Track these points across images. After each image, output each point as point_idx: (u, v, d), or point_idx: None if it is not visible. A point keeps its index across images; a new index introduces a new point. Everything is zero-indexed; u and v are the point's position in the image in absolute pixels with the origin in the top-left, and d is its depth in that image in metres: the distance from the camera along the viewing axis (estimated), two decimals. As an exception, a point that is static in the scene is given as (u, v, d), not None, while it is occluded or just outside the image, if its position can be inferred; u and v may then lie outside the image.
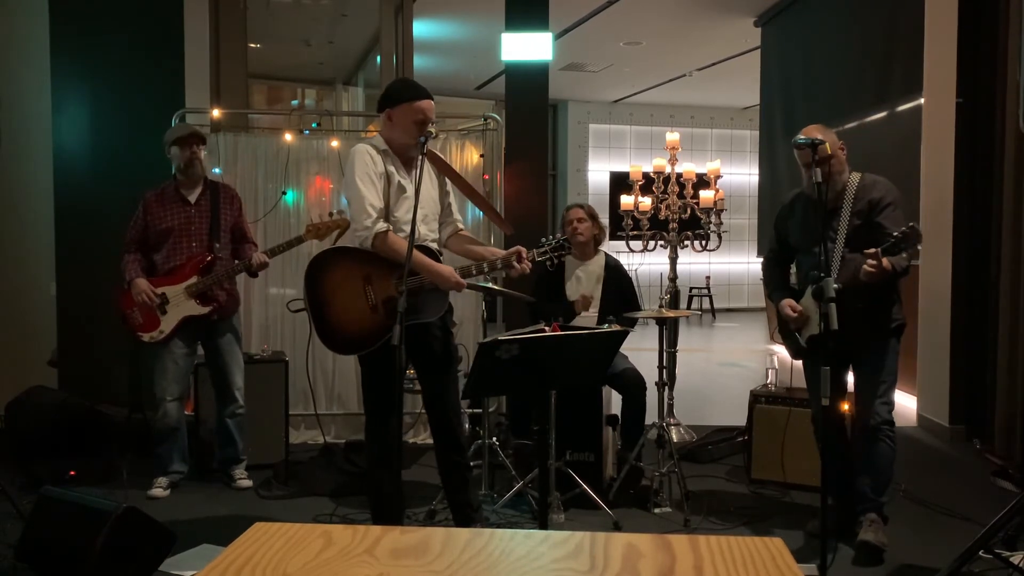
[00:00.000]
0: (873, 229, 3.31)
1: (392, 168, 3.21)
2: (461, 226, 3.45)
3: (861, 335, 3.36)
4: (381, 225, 3.13)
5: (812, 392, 3.67)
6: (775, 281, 3.73)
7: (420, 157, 3.11)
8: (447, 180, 3.42)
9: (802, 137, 3.21)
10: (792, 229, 3.63)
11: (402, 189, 3.21)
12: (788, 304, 3.53)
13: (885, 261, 3.06)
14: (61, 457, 4.48)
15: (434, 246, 3.32)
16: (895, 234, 3.02)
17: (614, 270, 4.53)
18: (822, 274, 3.28)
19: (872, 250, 3.05)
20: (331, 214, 4.21)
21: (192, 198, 4.25)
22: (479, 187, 5.04)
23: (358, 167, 3.16)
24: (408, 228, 3.17)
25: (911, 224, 3.02)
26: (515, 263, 3.12)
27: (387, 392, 3.14)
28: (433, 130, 3.16)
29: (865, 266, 3.07)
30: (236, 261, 4.26)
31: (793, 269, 3.78)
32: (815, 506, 3.63)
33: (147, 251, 4.23)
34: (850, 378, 3.59)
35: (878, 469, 3.43)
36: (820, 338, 3.37)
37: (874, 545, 3.32)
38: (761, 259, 3.99)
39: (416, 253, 3.07)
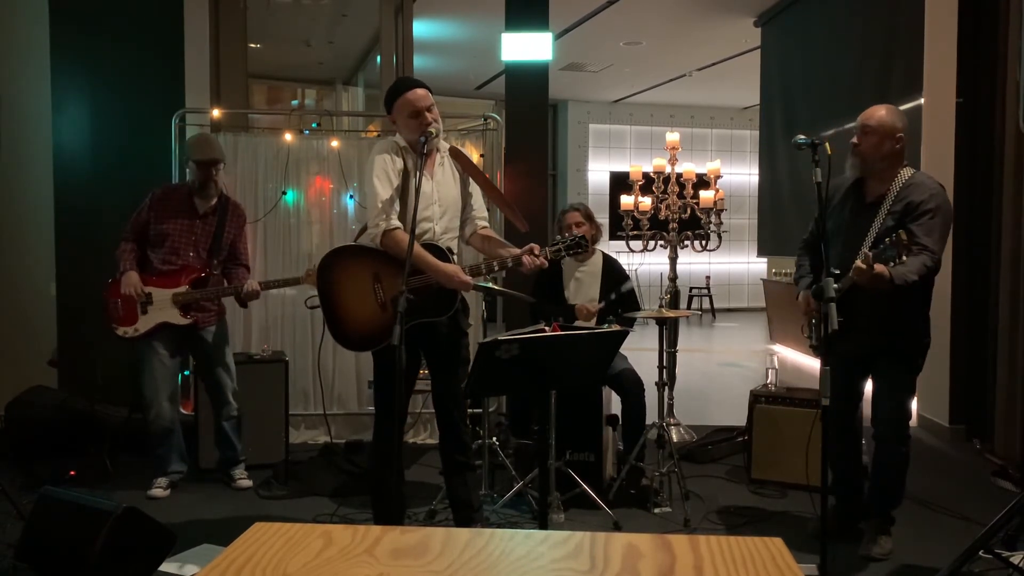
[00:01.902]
0: (905, 233, 3.12)
1: (411, 165, 3.22)
2: (484, 224, 3.43)
3: (879, 345, 3.29)
4: (386, 223, 3.14)
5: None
6: (804, 268, 3.59)
7: (422, 156, 3.12)
8: (470, 178, 3.41)
9: (802, 137, 3.19)
10: (832, 214, 3.43)
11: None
12: (804, 297, 3.46)
13: (879, 267, 2.94)
14: (61, 457, 4.48)
15: (453, 244, 3.32)
16: (885, 240, 2.92)
17: (612, 269, 4.53)
18: (837, 271, 3.26)
19: (866, 252, 2.96)
20: None
21: (202, 210, 4.23)
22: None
23: (376, 166, 3.19)
24: (427, 225, 3.21)
25: (898, 232, 2.91)
26: (528, 259, 3.09)
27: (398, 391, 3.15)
28: (433, 129, 3.15)
29: (855, 263, 2.97)
30: (226, 284, 4.24)
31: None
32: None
33: (144, 245, 4.22)
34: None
35: (888, 480, 3.41)
36: (831, 338, 3.35)
37: (876, 559, 3.33)
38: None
39: (422, 252, 3.08)
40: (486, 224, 3.45)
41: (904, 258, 2.91)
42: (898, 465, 3.39)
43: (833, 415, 3.49)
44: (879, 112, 3.28)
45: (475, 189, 3.42)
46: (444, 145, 3.36)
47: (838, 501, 3.60)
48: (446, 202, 3.29)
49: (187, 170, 4.32)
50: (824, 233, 3.01)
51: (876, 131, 3.24)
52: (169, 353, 4.21)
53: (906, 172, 3.29)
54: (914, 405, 5.70)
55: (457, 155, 3.37)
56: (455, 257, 3.29)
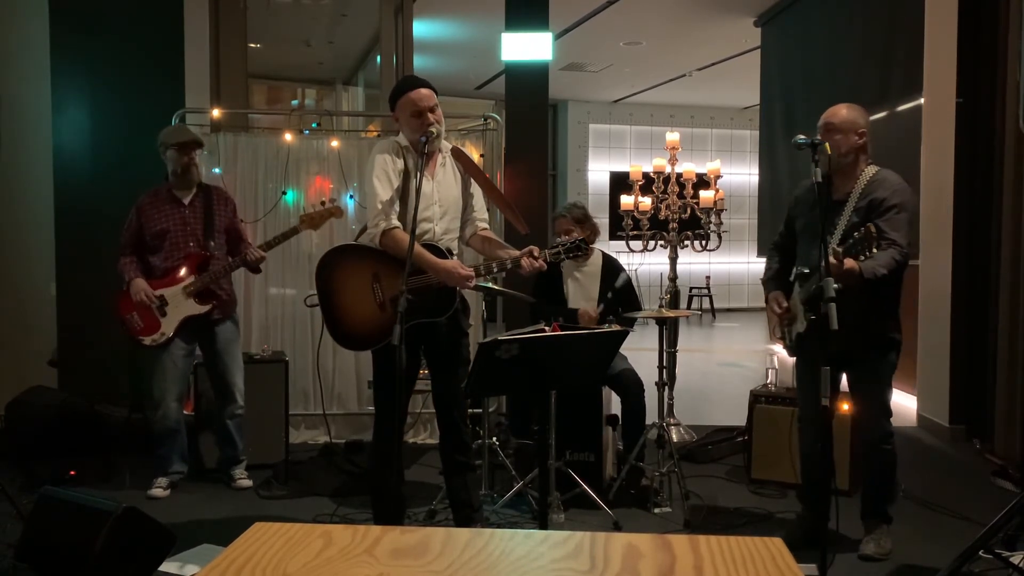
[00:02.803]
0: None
1: (412, 165, 3.22)
2: (484, 225, 3.43)
3: (853, 342, 3.26)
4: (386, 223, 3.15)
5: (800, 391, 3.63)
6: (772, 270, 3.63)
7: (422, 156, 3.12)
8: (471, 179, 3.40)
9: (802, 137, 3.20)
10: (801, 215, 3.50)
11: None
12: (774, 298, 3.48)
13: (849, 262, 2.96)
14: (61, 457, 4.48)
15: (453, 245, 3.32)
16: (854, 234, 2.93)
17: (611, 268, 4.53)
18: (806, 270, 3.27)
19: (835, 248, 2.97)
20: (323, 203, 4.19)
21: (186, 200, 4.24)
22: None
23: (376, 166, 3.20)
24: (427, 226, 3.22)
25: (867, 225, 2.93)
26: (526, 261, 3.08)
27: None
28: (434, 129, 3.15)
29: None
30: (232, 258, 4.24)
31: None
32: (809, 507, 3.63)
33: (143, 253, 4.23)
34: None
35: (880, 480, 3.41)
36: (807, 336, 3.34)
37: (876, 559, 3.32)
38: (763, 258, 3.89)
39: (421, 250, 3.08)
40: (486, 226, 3.45)
41: (874, 251, 2.93)
42: (887, 463, 3.37)
43: (809, 417, 3.50)
44: (841, 111, 3.33)
45: (476, 190, 3.41)
46: (446, 145, 3.36)
47: (806, 507, 3.58)
48: (446, 203, 3.29)
49: (164, 160, 4.25)
50: (824, 234, 3.01)
51: (840, 128, 3.28)
52: (184, 353, 4.21)
53: (871, 170, 3.33)
54: (914, 404, 5.74)
55: (459, 156, 3.37)
56: (455, 258, 3.29)
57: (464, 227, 3.41)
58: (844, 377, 3.53)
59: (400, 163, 3.21)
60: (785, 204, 3.69)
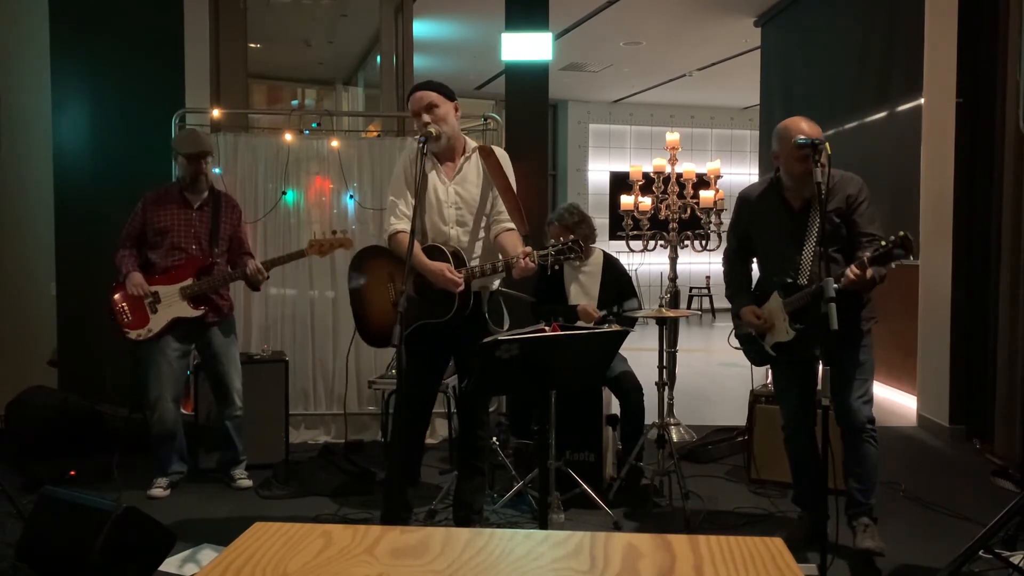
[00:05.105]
0: (848, 227, 3.22)
1: (430, 167, 3.25)
2: (510, 226, 3.31)
3: (833, 335, 3.28)
4: (393, 227, 3.25)
5: (780, 399, 3.61)
6: (737, 282, 3.58)
7: (420, 158, 3.13)
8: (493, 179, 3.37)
9: (802, 138, 3.19)
10: (757, 229, 3.49)
11: (435, 189, 3.26)
12: (751, 311, 3.41)
13: (870, 271, 2.95)
14: (61, 457, 4.48)
15: (475, 247, 3.29)
16: (884, 243, 2.90)
17: (612, 268, 4.53)
18: (788, 279, 3.25)
19: (864, 257, 2.96)
20: (334, 232, 4.20)
21: (195, 203, 4.24)
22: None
23: (395, 172, 3.33)
24: (441, 227, 3.26)
25: (903, 233, 2.88)
26: (518, 262, 3.05)
27: (417, 390, 3.19)
28: (433, 130, 3.14)
29: (849, 272, 2.97)
30: (232, 270, 4.24)
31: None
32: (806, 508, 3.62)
33: (143, 248, 4.22)
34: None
35: (866, 471, 3.37)
36: (792, 345, 3.31)
37: (875, 551, 3.29)
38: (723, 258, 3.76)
39: (417, 252, 3.10)
40: (512, 226, 3.33)
41: (912, 257, 2.91)
42: (870, 452, 3.34)
43: (796, 424, 3.49)
44: (803, 124, 3.23)
45: (497, 194, 3.38)
46: (472, 144, 3.34)
47: (807, 509, 3.57)
48: (464, 204, 3.28)
49: (176, 166, 4.30)
50: (823, 240, 3.01)
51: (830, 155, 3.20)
52: (179, 353, 4.20)
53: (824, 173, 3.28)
54: (914, 404, 5.74)
55: (486, 155, 3.30)
56: (476, 259, 3.27)
57: (489, 228, 3.33)
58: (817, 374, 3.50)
59: (417, 167, 3.23)
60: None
